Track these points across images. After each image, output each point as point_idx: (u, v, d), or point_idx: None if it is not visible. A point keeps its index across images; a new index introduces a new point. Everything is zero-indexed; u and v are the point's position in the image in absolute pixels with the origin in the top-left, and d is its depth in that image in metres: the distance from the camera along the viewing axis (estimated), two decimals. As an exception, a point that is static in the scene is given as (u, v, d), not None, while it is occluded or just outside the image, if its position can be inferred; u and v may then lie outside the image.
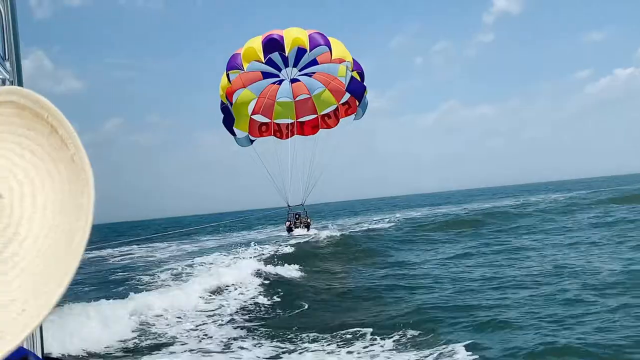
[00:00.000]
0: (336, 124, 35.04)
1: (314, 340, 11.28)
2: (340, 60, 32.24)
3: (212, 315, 14.53)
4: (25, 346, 0.93)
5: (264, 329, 12.82)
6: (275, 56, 31.92)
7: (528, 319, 11.59)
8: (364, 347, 10.59)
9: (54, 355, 8.68)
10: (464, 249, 25.26)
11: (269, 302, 15.83)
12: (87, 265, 29.38)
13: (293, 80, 33.35)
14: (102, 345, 11.86)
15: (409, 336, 10.93)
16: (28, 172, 0.93)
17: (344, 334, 11.48)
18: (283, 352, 10.79)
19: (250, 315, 14.58)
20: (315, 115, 34.91)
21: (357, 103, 33.23)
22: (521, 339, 10.21)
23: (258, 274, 19.57)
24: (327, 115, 34.82)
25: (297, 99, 34.02)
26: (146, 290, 18.11)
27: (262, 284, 18.09)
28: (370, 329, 11.51)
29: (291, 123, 34.87)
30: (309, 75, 33.10)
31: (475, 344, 9.93)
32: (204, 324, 13.65)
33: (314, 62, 32.57)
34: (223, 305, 15.49)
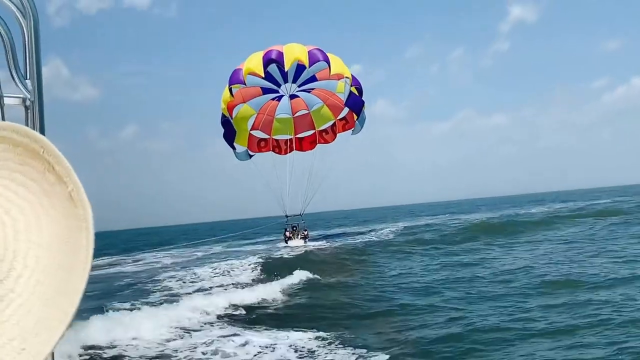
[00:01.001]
0: (333, 139, 35.58)
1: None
2: (339, 77, 32.94)
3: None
4: None
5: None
6: (275, 72, 32.45)
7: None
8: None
9: None
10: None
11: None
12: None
13: (292, 96, 33.87)
14: None
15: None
16: (22, 208, 0.91)
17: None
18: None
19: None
20: (313, 131, 35.38)
21: (355, 118, 33.87)
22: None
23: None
24: (325, 130, 35.36)
25: (296, 115, 34.50)
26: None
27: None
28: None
29: (290, 139, 35.27)
30: (307, 91, 33.69)
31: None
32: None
33: (313, 79, 33.21)
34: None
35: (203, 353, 11.50)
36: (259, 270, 24.56)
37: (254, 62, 32.60)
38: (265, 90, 33.23)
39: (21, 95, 1.58)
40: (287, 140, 34.86)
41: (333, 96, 33.55)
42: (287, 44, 32.90)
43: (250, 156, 35.21)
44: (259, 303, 16.98)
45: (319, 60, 32.74)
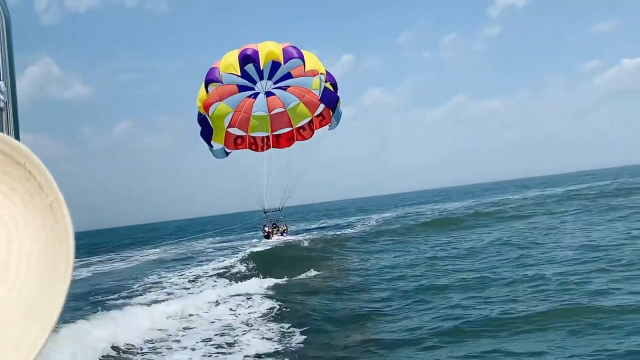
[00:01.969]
0: (311, 136, 35.95)
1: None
2: (314, 73, 33.30)
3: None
4: None
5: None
6: (251, 69, 32.75)
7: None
8: None
9: None
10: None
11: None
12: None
13: (268, 94, 34.19)
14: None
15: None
16: (2, 218, 0.90)
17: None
18: None
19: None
20: (290, 128, 35.74)
21: (331, 113, 34.25)
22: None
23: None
24: (302, 127, 35.72)
25: (272, 112, 34.85)
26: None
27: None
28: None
29: (266, 136, 35.58)
30: (283, 88, 34.02)
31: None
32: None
33: (288, 76, 33.53)
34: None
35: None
36: (232, 271, 24.07)
37: (230, 60, 32.91)
38: (242, 88, 33.54)
39: None
40: (263, 137, 35.18)
41: (309, 93, 33.90)
42: (262, 42, 33.23)
43: (227, 153, 35.50)
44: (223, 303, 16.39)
45: (293, 57, 33.10)
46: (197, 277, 22.69)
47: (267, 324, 13.10)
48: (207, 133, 34.07)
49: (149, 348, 11.71)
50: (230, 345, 11.52)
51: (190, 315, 14.41)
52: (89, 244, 72.66)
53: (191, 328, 13.16)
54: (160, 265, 30.56)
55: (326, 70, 33.81)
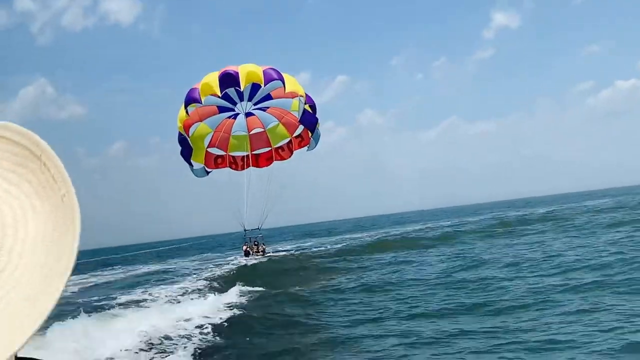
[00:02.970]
0: (290, 156, 36.54)
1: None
2: (293, 95, 33.97)
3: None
4: None
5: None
6: (231, 91, 33.33)
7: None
8: None
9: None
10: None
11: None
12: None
13: (248, 114, 34.78)
14: None
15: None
16: (13, 206, 0.93)
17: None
18: None
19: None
20: (269, 148, 36.32)
21: (310, 135, 34.89)
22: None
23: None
24: (281, 147, 36.31)
25: (251, 132, 35.41)
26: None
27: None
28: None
29: (246, 155, 36.14)
30: (263, 109, 34.65)
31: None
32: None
33: (268, 97, 34.16)
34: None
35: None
36: (209, 286, 25.29)
37: (210, 82, 33.46)
38: (222, 109, 34.07)
39: None
40: (243, 156, 35.74)
41: (288, 114, 34.53)
42: (242, 65, 33.88)
43: (208, 172, 35.95)
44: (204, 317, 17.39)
45: (273, 79, 33.74)
46: (182, 289, 23.88)
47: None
48: (187, 153, 34.50)
49: None
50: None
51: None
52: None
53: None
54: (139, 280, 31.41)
55: (305, 93, 34.50)
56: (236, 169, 36.45)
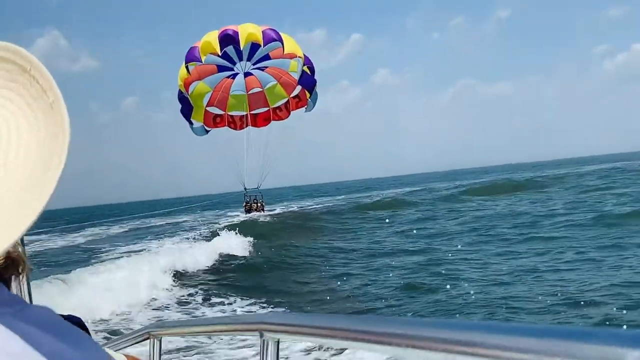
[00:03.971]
0: (287, 116, 37.17)
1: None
2: (292, 56, 34.37)
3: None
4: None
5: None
6: (230, 50, 33.68)
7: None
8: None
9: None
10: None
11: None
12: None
13: (247, 74, 35.23)
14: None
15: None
16: (6, 118, 0.97)
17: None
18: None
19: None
20: (267, 108, 36.91)
21: (308, 96, 35.47)
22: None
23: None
24: (279, 108, 36.90)
25: (250, 92, 35.92)
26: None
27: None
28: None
29: (244, 115, 36.77)
30: (261, 69, 35.09)
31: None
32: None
33: (266, 57, 34.54)
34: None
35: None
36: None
37: (210, 41, 33.75)
38: (221, 68, 34.48)
39: None
40: (241, 116, 36.36)
41: (286, 74, 34.99)
42: (242, 24, 34.14)
43: (207, 131, 36.63)
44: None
45: (273, 40, 34.06)
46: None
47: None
48: (186, 111, 35.09)
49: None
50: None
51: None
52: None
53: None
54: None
55: (304, 54, 34.88)
56: (235, 128, 37.11)
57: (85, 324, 1.24)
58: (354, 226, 32.38)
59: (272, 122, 37.17)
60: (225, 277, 16.81)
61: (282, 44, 34.10)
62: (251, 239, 24.14)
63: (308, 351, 9.15)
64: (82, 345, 0.94)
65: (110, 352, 1.41)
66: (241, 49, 33.72)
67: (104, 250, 26.46)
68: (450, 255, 17.20)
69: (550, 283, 12.33)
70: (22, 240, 0.97)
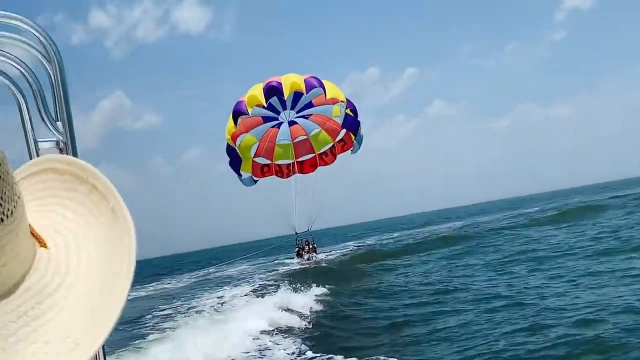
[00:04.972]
0: (333, 161, 37.49)
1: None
2: (334, 101, 34.95)
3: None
4: None
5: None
6: (275, 101, 34.56)
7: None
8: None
9: None
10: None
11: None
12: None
13: (291, 123, 35.94)
14: None
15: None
16: (71, 228, 1.01)
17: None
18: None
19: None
20: (313, 155, 37.37)
21: (353, 138, 35.76)
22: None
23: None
24: (325, 153, 37.31)
25: (295, 140, 36.53)
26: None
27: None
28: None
29: (291, 163, 37.31)
30: (305, 117, 35.76)
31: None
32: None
33: (309, 105, 35.25)
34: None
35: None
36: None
37: (255, 94, 34.75)
38: (266, 119, 35.34)
39: (54, 139, 1.63)
40: (288, 164, 36.91)
41: (330, 120, 35.52)
42: (285, 75, 35.11)
43: (255, 181, 37.22)
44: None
45: (314, 87, 34.81)
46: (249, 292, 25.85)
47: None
48: (235, 163, 35.86)
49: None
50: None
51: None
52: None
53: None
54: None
55: (346, 98, 35.41)
56: (282, 177, 37.63)
57: None
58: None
59: (319, 167, 37.53)
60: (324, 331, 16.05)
61: (324, 90, 34.77)
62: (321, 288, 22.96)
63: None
64: None
65: None
66: (285, 98, 34.54)
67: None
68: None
69: None
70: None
